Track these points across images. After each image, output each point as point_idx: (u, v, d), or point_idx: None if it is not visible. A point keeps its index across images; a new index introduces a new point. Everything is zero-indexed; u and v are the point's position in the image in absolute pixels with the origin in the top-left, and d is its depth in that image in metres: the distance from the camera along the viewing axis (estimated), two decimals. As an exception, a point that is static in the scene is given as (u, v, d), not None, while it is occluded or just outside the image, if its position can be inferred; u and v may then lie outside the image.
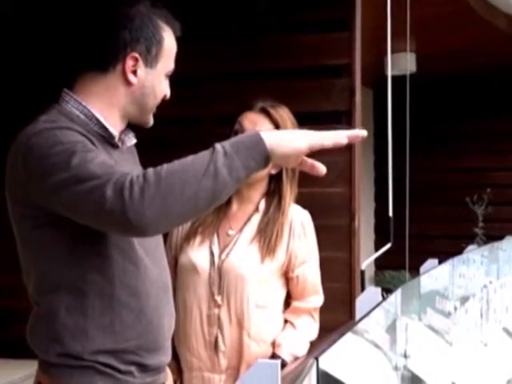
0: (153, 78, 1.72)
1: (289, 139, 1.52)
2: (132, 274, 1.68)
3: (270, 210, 2.30)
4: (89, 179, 1.49)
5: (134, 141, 1.83)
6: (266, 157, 1.49)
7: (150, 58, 1.71)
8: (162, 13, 1.75)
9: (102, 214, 1.49)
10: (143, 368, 1.71)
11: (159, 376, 1.78)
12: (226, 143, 1.50)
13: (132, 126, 1.83)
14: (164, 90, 1.76)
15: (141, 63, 1.70)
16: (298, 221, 2.31)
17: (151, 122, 1.80)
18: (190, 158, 1.50)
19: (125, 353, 1.67)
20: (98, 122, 1.70)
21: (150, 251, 1.74)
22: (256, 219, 2.30)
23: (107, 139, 1.72)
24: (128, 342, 1.68)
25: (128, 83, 1.71)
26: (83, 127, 1.66)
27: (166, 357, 1.80)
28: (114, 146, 1.74)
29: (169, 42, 1.74)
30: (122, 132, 1.79)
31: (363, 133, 1.58)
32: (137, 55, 1.69)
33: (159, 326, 1.74)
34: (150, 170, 1.48)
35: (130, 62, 1.69)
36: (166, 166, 1.48)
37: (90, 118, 1.70)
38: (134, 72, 1.70)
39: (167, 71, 1.75)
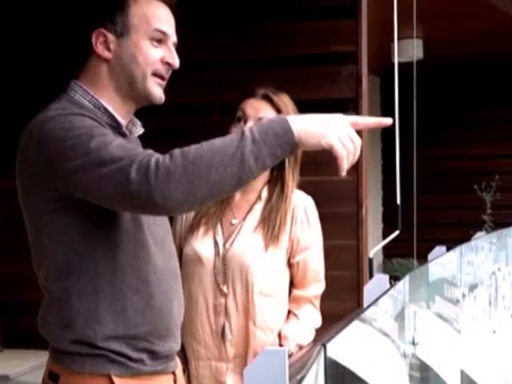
0: (129, 46, 1.69)
1: (318, 127, 1.49)
2: (143, 260, 1.69)
3: (273, 198, 2.29)
4: (111, 162, 1.50)
5: (142, 130, 1.82)
6: (293, 145, 1.48)
7: (119, 28, 1.69)
8: None
9: (127, 196, 1.49)
10: (154, 355, 1.72)
11: (170, 364, 1.79)
12: (255, 128, 1.48)
13: (144, 114, 1.81)
14: (152, 54, 1.69)
15: (110, 36, 1.69)
16: (301, 207, 2.30)
17: (156, 95, 1.72)
18: (218, 142, 1.48)
19: (136, 339, 1.68)
20: (106, 111, 1.71)
21: (159, 239, 1.76)
22: (259, 207, 2.30)
23: (115, 128, 1.71)
24: (139, 328, 1.69)
25: (105, 60, 1.70)
26: (93, 115, 1.66)
27: (176, 344, 1.81)
28: (122, 134, 1.73)
29: (141, 7, 1.70)
30: (130, 121, 1.78)
31: (388, 121, 1.58)
32: (102, 30, 1.69)
33: (169, 312, 1.75)
34: (177, 152, 1.48)
35: (98, 40, 1.69)
36: (193, 148, 1.47)
37: (98, 107, 1.70)
38: (108, 48, 1.69)
39: (149, 36, 1.69)
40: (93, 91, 1.71)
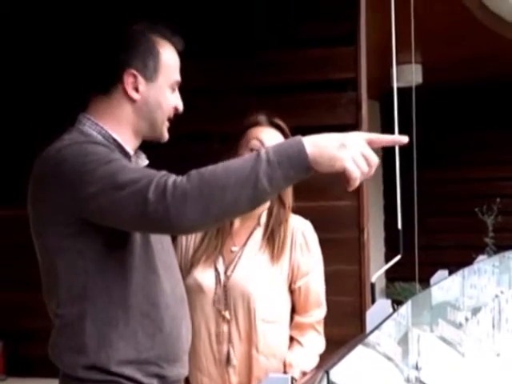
0: (156, 91, 1.76)
1: (332, 149, 1.48)
2: (153, 285, 1.73)
3: (271, 222, 2.30)
4: (128, 185, 1.54)
5: (146, 162, 1.86)
6: (307, 168, 1.49)
7: (149, 73, 1.74)
8: (159, 29, 1.79)
9: (144, 217, 1.53)
10: (163, 380, 1.75)
11: None
12: (270, 150, 1.50)
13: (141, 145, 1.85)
14: (171, 101, 1.78)
15: (140, 79, 1.74)
16: (300, 231, 2.31)
17: (166, 136, 1.82)
18: (233, 164, 1.52)
19: (146, 363, 1.71)
20: (115, 142, 1.74)
21: (167, 265, 1.79)
22: (258, 233, 2.31)
23: (124, 158, 1.74)
24: (149, 352, 1.71)
25: (132, 100, 1.75)
26: (104, 144, 1.71)
27: (184, 370, 1.83)
28: None
29: (167, 56, 1.78)
30: (135, 153, 1.82)
31: (404, 139, 1.58)
32: (134, 71, 1.73)
33: (178, 336, 1.78)
34: (194, 173, 1.51)
35: (129, 79, 1.73)
36: (209, 170, 1.51)
37: (107, 138, 1.74)
38: (136, 89, 1.74)
39: (171, 83, 1.78)
40: (105, 123, 1.75)
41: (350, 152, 1.48)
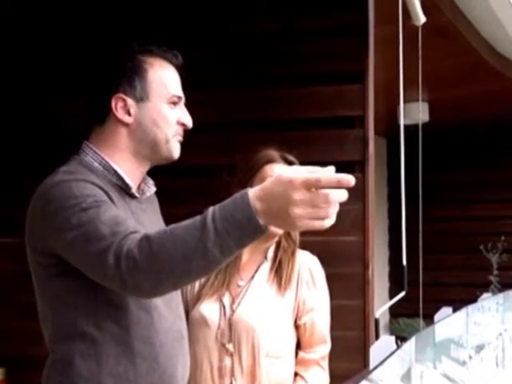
0: (149, 110, 1.73)
1: (279, 212, 1.35)
2: (146, 322, 1.69)
3: (279, 255, 2.30)
4: (96, 240, 1.52)
5: (154, 189, 1.85)
6: (259, 230, 1.38)
7: (138, 93, 1.72)
8: (148, 48, 1.77)
9: (105, 278, 1.54)
10: None
11: None
12: (217, 216, 1.39)
13: (150, 174, 1.86)
14: (171, 118, 1.74)
15: (130, 101, 1.72)
16: (306, 267, 2.31)
17: (175, 154, 1.77)
18: (180, 231, 1.44)
19: None
20: (115, 173, 1.73)
21: (166, 299, 1.75)
22: (265, 267, 2.31)
23: (125, 190, 1.74)
24: None
25: (125, 124, 1.72)
26: (102, 178, 1.69)
27: None
28: (132, 196, 1.76)
29: (157, 72, 1.74)
30: (142, 181, 1.81)
31: (349, 179, 1.33)
32: (122, 95, 1.71)
33: (173, 375, 1.74)
34: (144, 241, 1.47)
35: (118, 104, 1.71)
36: (158, 239, 1.46)
37: (107, 168, 1.73)
38: (128, 112, 1.72)
39: (167, 99, 1.74)
40: (106, 153, 1.73)
41: (296, 213, 1.33)
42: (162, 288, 1.52)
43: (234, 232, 1.38)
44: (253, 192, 1.39)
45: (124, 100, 1.71)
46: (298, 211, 1.33)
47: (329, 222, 1.36)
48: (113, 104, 1.71)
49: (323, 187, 1.33)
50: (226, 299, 2.28)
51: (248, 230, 1.38)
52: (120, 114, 1.72)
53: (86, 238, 1.54)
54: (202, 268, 1.44)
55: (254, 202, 1.37)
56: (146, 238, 1.47)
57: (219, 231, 1.39)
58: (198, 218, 1.44)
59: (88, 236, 1.54)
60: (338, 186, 1.33)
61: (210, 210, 1.42)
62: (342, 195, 1.34)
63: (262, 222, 1.37)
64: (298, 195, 1.33)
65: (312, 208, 1.33)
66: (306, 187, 1.33)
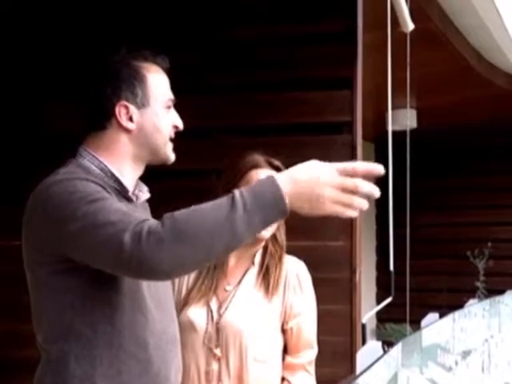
0: (150, 116, 1.74)
1: (309, 192, 1.44)
2: (141, 324, 1.70)
3: (266, 260, 2.31)
4: (106, 225, 1.52)
5: (148, 195, 1.85)
6: (285, 212, 1.46)
7: (140, 99, 1.73)
8: (140, 53, 1.77)
9: (119, 260, 1.51)
10: None
11: None
12: (246, 194, 1.46)
13: (142, 180, 1.86)
14: (168, 122, 1.76)
15: (132, 108, 1.72)
16: (294, 272, 2.31)
17: (171, 157, 1.79)
18: (208, 209, 1.48)
19: None
20: (113, 176, 1.73)
21: (160, 303, 1.76)
22: (252, 272, 2.31)
23: (122, 193, 1.75)
24: None
25: (127, 131, 1.73)
26: (100, 180, 1.69)
27: None
28: (129, 199, 1.77)
29: (154, 78, 1.76)
30: (136, 187, 1.81)
31: (380, 169, 1.49)
32: (124, 102, 1.72)
33: (166, 377, 1.74)
34: (168, 220, 1.48)
35: (121, 112, 1.72)
36: (184, 215, 1.48)
37: (105, 172, 1.73)
38: (130, 118, 1.73)
39: (164, 103, 1.76)
40: (103, 157, 1.74)
41: (327, 195, 1.44)
42: (180, 267, 1.51)
43: (261, 209, 1.44)
44: (280, 175, 1.48)
45: (127, 107, 1.72)
46: (330, 195, 1.43)
47: (351, 211, 1.45)
48: (116, 111, 1.72)
49: (358, 175, 1.45)
50: (214, 304, 2.28)
51: (275, 210, 1.44)
52: (124, 121, 1.73)
53: (94, 225, 1.53)
54: (226, 245, 1.47)
55: (284, 184, 1.45)
56: (170, 216, 1.48)
57: (248, 208, 1.44)
58: (223, 197, 1.48)
59: (97, 223, 1.53)
60: (371, 173, 1.47)
61: (236, 191, 1.47)
62: (371, 188, 1.46)
63: (288, 204, 1.44)
64: (332, 177, 1.43)
65: (344, 195, 1.44)
66: (341, 173, 1.44)
